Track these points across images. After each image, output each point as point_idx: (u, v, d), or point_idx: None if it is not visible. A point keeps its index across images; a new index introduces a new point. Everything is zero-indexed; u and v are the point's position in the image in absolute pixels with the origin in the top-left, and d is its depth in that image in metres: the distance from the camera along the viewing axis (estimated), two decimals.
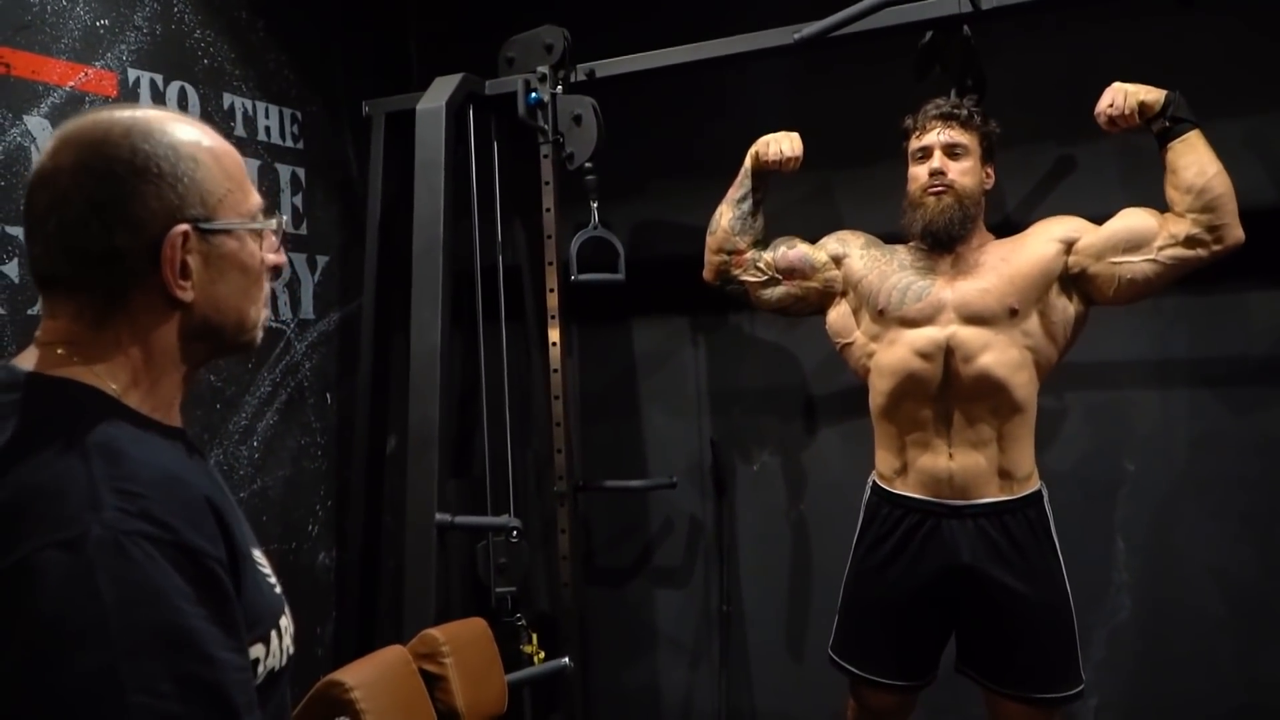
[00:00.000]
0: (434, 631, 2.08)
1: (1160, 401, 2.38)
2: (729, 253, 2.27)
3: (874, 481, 2.17)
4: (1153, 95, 1.94)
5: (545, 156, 2.62)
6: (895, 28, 2.21)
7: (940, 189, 2.04)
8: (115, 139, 0.80)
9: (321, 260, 2.73)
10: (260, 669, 0.82)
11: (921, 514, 2.05)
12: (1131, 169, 2.40)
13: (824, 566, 2.72)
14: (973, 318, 2.01)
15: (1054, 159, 2.47)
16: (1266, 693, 2.32)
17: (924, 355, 2.03)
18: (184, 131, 0.85)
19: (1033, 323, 2.03)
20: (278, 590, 0.89)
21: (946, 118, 2.06)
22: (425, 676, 2.00)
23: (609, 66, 2.56)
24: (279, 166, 2.58)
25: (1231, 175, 2.30)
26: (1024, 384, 2.01)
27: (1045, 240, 2.05)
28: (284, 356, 2.61)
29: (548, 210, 2.65)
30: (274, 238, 0.91)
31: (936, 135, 2.05)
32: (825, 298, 2.23)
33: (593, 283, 2.62)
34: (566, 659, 2.40)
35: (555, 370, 2.67)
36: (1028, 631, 1.99)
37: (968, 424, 2.01)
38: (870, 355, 2.15)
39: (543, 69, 2.57)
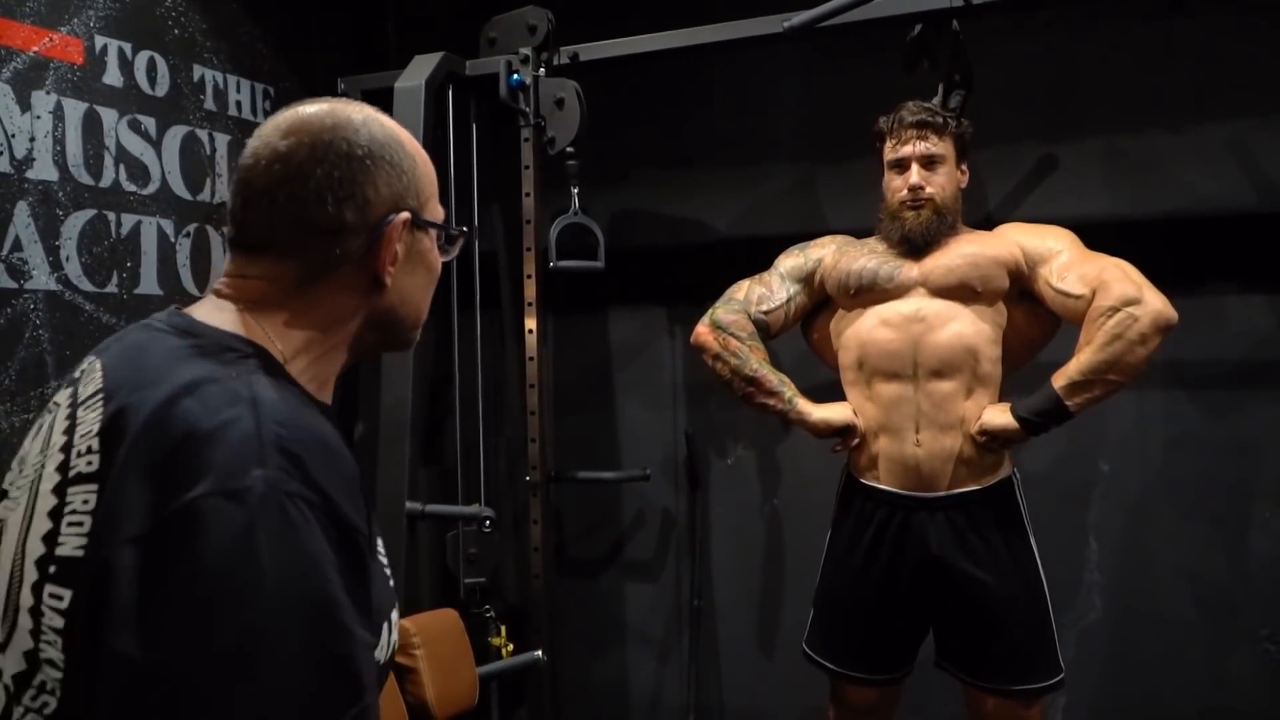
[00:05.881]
0: (405, 622, 2.03)
1: (1136, 403, 2.38)
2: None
3: (847, 471, 2.16)
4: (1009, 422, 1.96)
5: (526, 140, 2.57)
6: (885, 20, 2.18)
7: (919, 204, 2.05)
8: (355, 125, 0.88)
9: None
10: None
11: (892, 507, 2.04)
12: (1113, 170, 2.41)
13: (796, 563, 2.71)
14: (940, 290, 2.03)
15: (1037, 158, 2.47)
16: (1234, 694, 2.35)
17: (891, 325, 2.05)
18: (403, 131, 0.93)
19: (1000, 309, 2.04)
20: (392, 583, 0.92)
21: (921, 126, 2.05)
22: (395, 668, 1.96)
23: (593, 50, 2.52)
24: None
25: (1212, 179, 2.33)
26: (992, 359, 2.02)
27: (1009, 241, 2.06)
28: None
29: (527, 195, 2.60)
30: (441, 251, 0.95)
31: (913, 148, 2.05)
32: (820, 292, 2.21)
33: (571, 270, 2.58)
34: (539, 652, 2.36)
35: (531, 358, 2.63)
36: (1000, 623, 1.98)
37: (935, 404, 2.00)
38: (839, 335, 2.16)
39: (525, 50, 2.52)
